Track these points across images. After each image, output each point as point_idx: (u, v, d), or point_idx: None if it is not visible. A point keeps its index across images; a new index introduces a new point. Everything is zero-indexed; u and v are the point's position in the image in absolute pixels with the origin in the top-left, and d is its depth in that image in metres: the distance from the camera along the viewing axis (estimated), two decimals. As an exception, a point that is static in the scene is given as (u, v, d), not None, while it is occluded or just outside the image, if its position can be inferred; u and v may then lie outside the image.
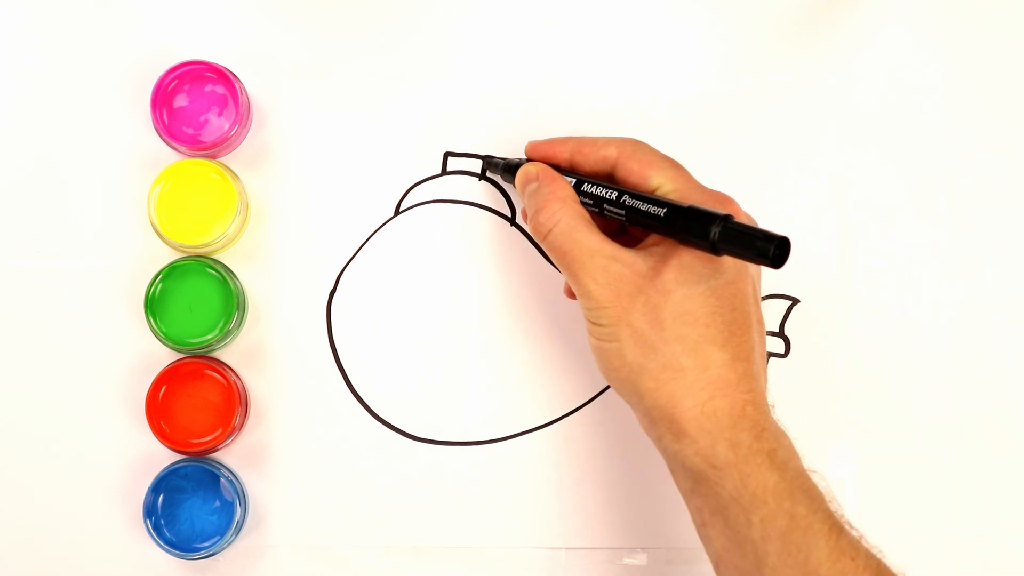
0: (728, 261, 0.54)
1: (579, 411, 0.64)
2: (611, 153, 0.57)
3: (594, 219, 0.56)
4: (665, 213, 0.53)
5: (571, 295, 0.61)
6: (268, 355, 0.63)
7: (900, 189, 0.66)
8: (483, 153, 0.65)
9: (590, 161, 0.58)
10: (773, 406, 0.54)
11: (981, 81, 0.67)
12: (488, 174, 0.64)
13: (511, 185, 0.64)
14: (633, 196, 0.55)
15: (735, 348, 0.53)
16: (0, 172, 0.64)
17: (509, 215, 0.65)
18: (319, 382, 0.63)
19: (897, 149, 0.66)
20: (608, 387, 0.64)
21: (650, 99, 0.66)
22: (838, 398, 0.64)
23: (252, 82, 0.64)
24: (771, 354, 0.65)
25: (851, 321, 0.65)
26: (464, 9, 0.66)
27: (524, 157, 0.62)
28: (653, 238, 0.56)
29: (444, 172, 0.65)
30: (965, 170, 0.66)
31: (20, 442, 0.62)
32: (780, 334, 0.65)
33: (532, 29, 0.66)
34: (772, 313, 0.65)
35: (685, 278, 0.53)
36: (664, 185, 0.56)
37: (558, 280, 0.64)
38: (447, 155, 0.65)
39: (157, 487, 0.60)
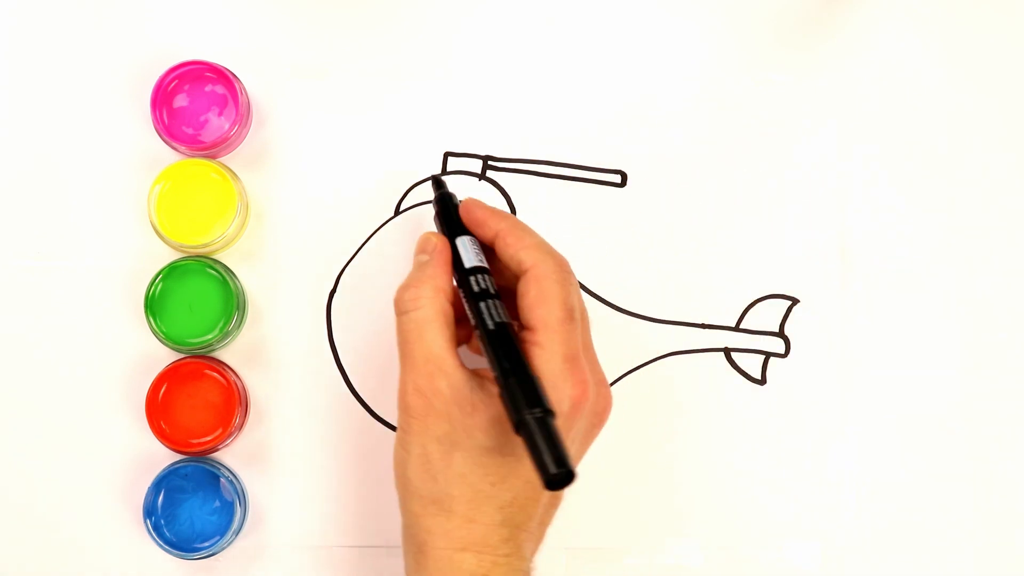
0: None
1: (579, 411, 0.64)
2: (525, 261, 0.53)
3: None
4: (509, 369, 0.50)
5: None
6: (268, 355, 0.63)
7: (900, 189, 0.66)
8: (483, 153, 0.65)
9: (506, 256, 0.54)
10: (535, 568, 0.54)
11: (981, 81, 0.67)
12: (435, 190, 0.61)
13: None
14: (487, 330, 0.52)
15: (511, 514, 0.52)
16: (0, 172, 0.64)
17: (509, 215, 0.65)
18: (319, 382, 0.63)
19: (897, 149, 0.66)
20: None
21: (650, 99, 0.66)
22: (838, 398, 0.64)
23: (252, 82, 0.64)
24: (771, 354, 0.65)
25: (851, 321, 0.65)
26: (464, 9, 0.66)
27: (462, 200, 0.58)
28: None
29: (444, 172, 0.65)
30: (965, 170, 0.66)
31: (20, 442, 0.62)
32: (780, 334, 0.65)
33: (532, 29, 0.66)
34: (772, 313, 0.65)
35: (497, 432, 0.51)
36: (542, 343, 0.51)
37: (558, 280, 0.64)
38: (447, 155, 0.65)
39: (157, 487, 0.60)
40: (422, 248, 0.56)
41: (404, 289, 0.54)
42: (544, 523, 0.54)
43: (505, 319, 0.52)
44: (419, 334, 0.52)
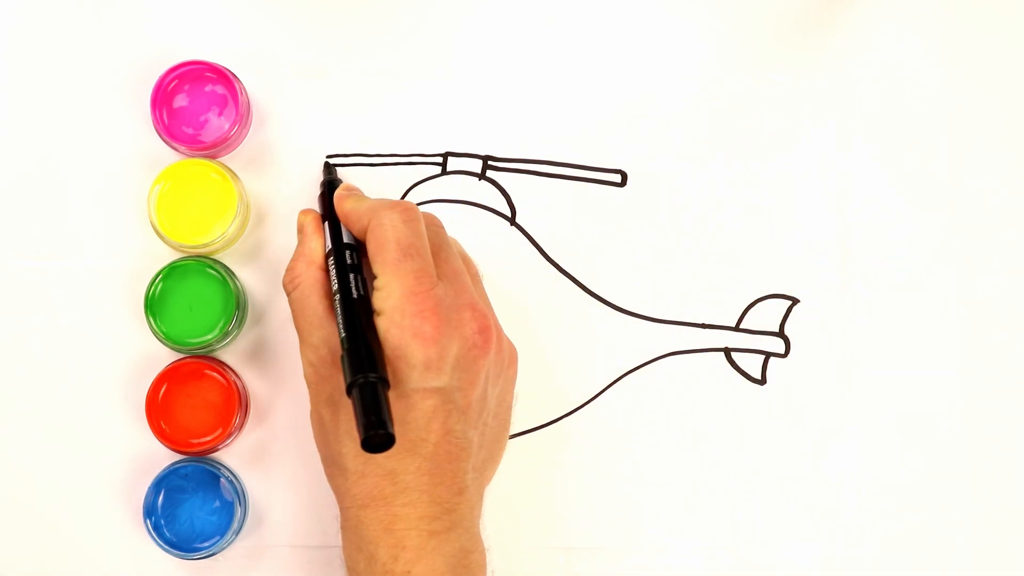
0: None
1: (579, 411, 0.64)
2: (365, 222, 0.55)
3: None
4: (345, 338, 0.52)
5: None
6: (268, 355, 0.63)
7: (900, 189, 0.66)
8: (483, 153, 0.65)
9: (356, 229, 0.56)
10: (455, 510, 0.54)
11: (981, 81, 0.67)
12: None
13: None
14: (344, 299, 0.53)
15: (399, 464, 0.53)
16: (0, 172, 0.64)
17: (509, 215, 0.65)
18: (319, 382, 0.63)
19: (897, 149, 0.66)
20: (607, 388, 0.64)
21: (650, 99, 0.66)
22: (838, 398, 0.64)
23: (252, 82, 0.64)
24: (771, 354, 0.65)
25: (851, 321, 0.65)
26: (464, 9, 0.66)
27: (345, 186, 0.60)
28: None
29: (444, 172, 0.65)
30: (965, 170, 0.66)
31: (20, 442, 0.62)
32: (780, 334, 0.65)
33: (532, 29, 0.66)
34: (772, 313, 0.65)
35: None
36: (380, 285, 0.53)
37: (558, 280, 0.64)
38: (447, 155, 0.65)
39: (157, 487, 0.60)
40: (297, 229, 0.59)
41: (286, 272, 0.57)
42: (479, 477, 0.55)
43: (359, 292, 0.54)
44: (301, 310, 0.55)
